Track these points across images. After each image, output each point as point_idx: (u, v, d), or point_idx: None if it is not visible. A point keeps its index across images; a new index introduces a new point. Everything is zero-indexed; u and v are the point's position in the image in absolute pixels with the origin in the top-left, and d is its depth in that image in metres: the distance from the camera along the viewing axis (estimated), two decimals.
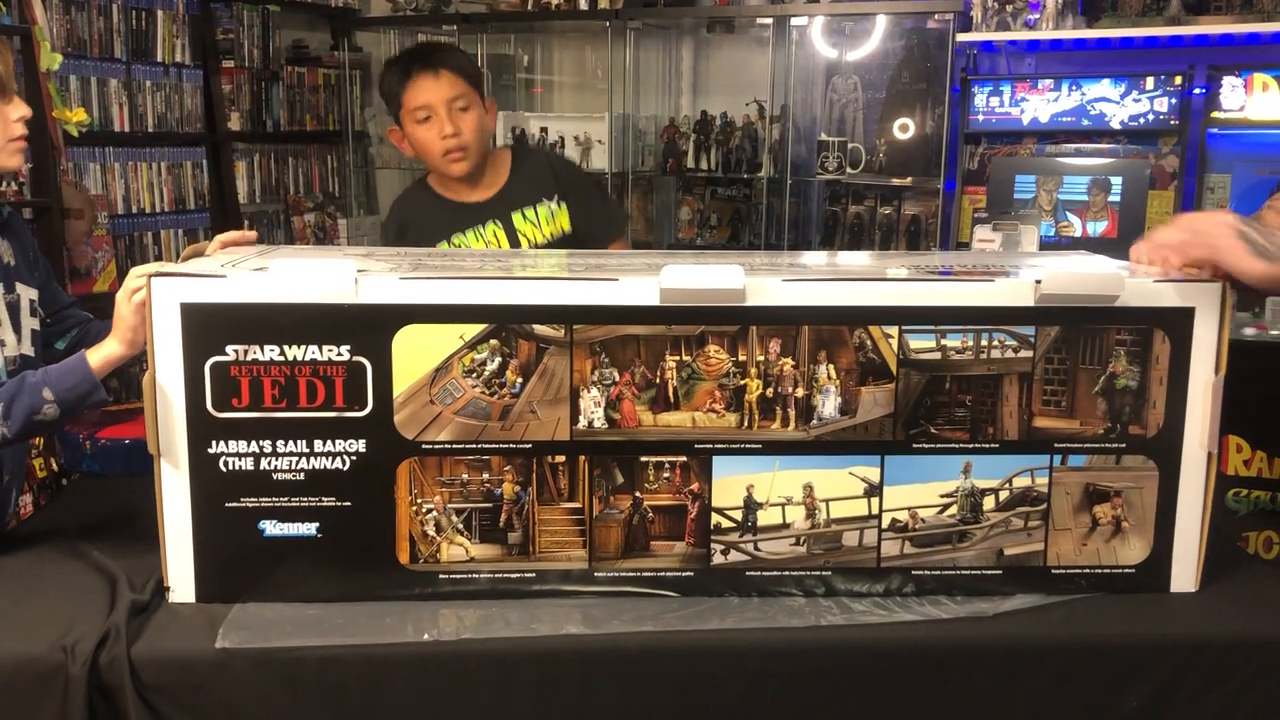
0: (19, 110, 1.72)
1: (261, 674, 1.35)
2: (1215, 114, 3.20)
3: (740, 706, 1.42)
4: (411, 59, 2.24)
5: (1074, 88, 3.35)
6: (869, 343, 1.46)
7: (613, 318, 1.43)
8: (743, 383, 1.46)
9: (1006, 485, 1.52)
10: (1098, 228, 3.39)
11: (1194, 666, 1.44)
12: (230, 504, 1.45)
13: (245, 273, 1.42)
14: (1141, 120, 3.31)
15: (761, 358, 1.45)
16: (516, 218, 2.18)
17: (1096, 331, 1.48)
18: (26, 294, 1.77)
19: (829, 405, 1.48)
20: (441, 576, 1.49)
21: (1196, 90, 3.24)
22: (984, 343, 1.47)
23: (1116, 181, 3.32)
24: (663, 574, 1.51)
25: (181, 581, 1.46)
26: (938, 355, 1.47)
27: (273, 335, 1.41)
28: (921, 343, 1.46)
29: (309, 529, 1.46)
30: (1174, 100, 3.25)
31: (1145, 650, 1.45)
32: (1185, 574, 1.54)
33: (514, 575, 1.49)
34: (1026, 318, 1.46)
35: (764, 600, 1.50)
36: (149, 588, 1.46)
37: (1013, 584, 1.53)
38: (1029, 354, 1.47)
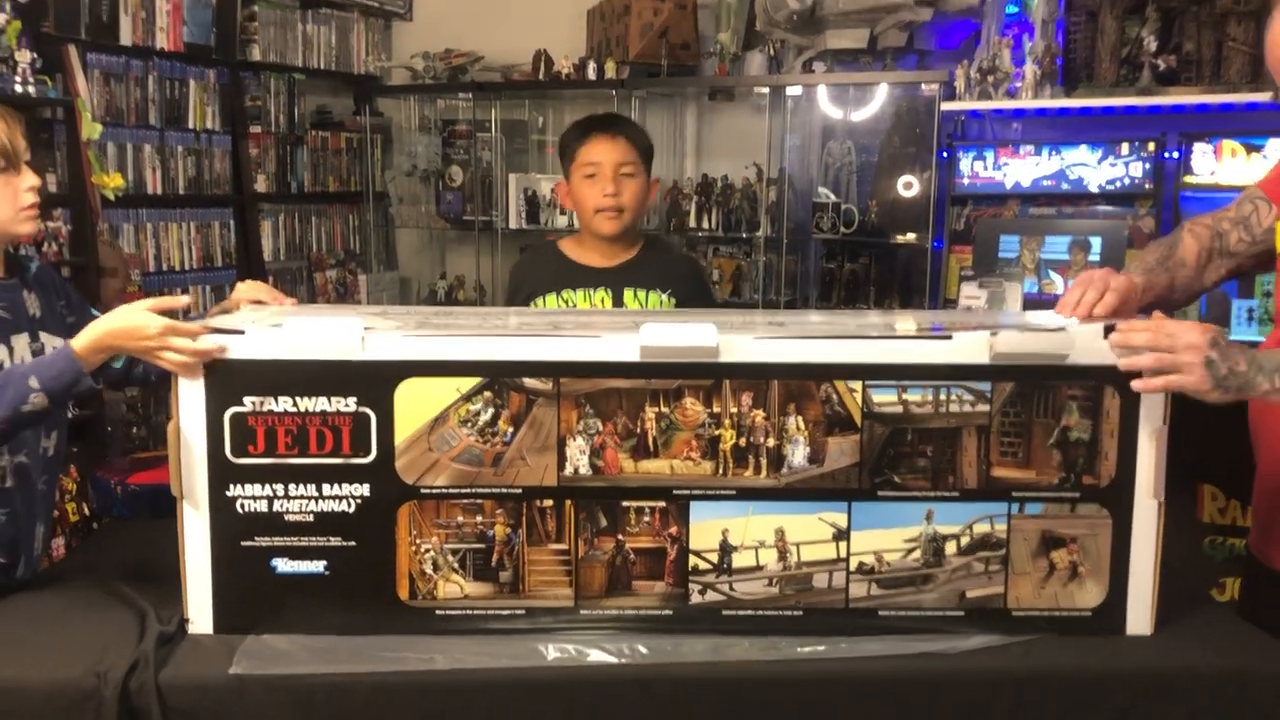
0: (29, 180, 1.77)
1: (274, 699, 1.43)
2: (1187, 178, 3.28)
3: None
4: (593, 121, 2.34)
5: (1054, 153, 3.46)
6: (835, 396, 1.54)
7: (597, 372, 1.52)
8: (717, 433, 1.54)
9: (967, 531, 1.58)
10: None
11: (1143, 701, 1.49)
12: (245, 543, 1.54)
13: (263, 330, 1.52)
14: (1118, 184, 3.39)
15: (735, 410, 1.54)
16: (627, 293, 2.26)
17: (1049, 387, 1.55)
18: (51, 343, 1.83)
19: (798, 454, 1.55)
20: (438, 613, 1.56)
21: (1171, 154, 3.34)
22: (943, 397, 1.55)
23: (1096, 241, 3.40)
24: (644, 612, 1.58)
25: (200, 614, 1.55)
26: (899, 408, 1.55)
27: (286, 388, 1.51)
28: (884, 396, 1.54)
29: (317, 566, 1.55)
30: (1148, 165, 3.33)
31: (1097, 684, 1.51)
32: (1140, 617, 1.60)
33: (505, 612, 1.57)
34: (982, 374, 1.54)
35: (739, 637, 1.56)
36: (174, 620, 1.54)
37: (974, 625, 1.59)
38: (986, 408, 1.55)
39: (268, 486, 1.53)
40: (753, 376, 1.53)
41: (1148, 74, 3.17)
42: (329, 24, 4.63)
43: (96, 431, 3.33)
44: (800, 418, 1.54)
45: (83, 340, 1.58)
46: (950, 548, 1.58)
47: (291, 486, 1.53)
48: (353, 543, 1.54)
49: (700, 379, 1.53)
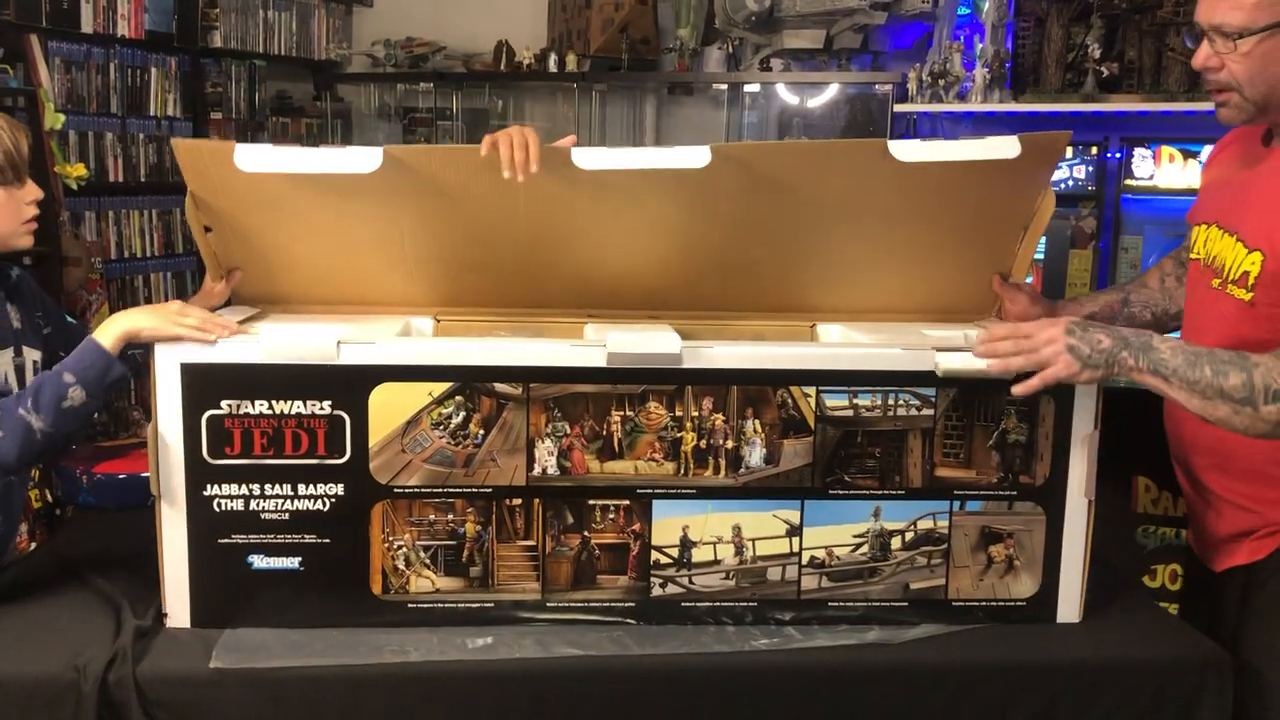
0: (32, 194, 1.76)
1: (251, 691, 1.48)
2: (1128, 181, 3.39)
3: None
4: None
5: None
6: (790, 401, 1.61)
7: (565, 377, 1.58)
8: (679, 435, 1.61)
9: (911, 527, 1.66)
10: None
11: (1072, 687, 1.59)
12: (222, 540, 1.58)
13: (239, 337, 1.56)
14: (1063, 185, 3.50)
15: (696, 413, 1.60)
16: None
17: (990, 393, 1.63)
18: (31, 356, 1.81)
19: (755, 456, 1.62)
20: (410, 606, 1.61)
21: (1114, 156, 3.44)
22: (891, 402, 1.63)
23: (1040, 241, 3.51)
24: (608, 604, 1.64)
25: (178, 608, 1.59)
26: (850, 412, 1.62)
27: (262, 391, 1.54)
28: (836, 401, 1.62)
29: (292, 563, 1.59)
30: (1091, 168, 3.44)
31: (1031, 673, 1.60)
32: (1070, 606, 1.70)
33: (474, 605, 1.62)
34: (928, 381, 1.62)
35: (698, 628, 1.64)
36: (150, 614, 1.58)
37: (918, 615, 1.68)
38: (930, 412, 1.63)
39: (244, 486, 1.56)
40: (713, 382, 1.60)
41: (1091, 80, 3.27)
42: (290, 10, 4.61)
43: None
44: (757, 421, 1.61)
45: (103, 331, 1.58)
46: (896, 543, 1.66)
47: (267, 486, 1.57)
48: (327, 540, 1.59)
49: (664, 384, 1.59)
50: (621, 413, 1.59)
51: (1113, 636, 1.67)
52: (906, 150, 1.64)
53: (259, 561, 1.59)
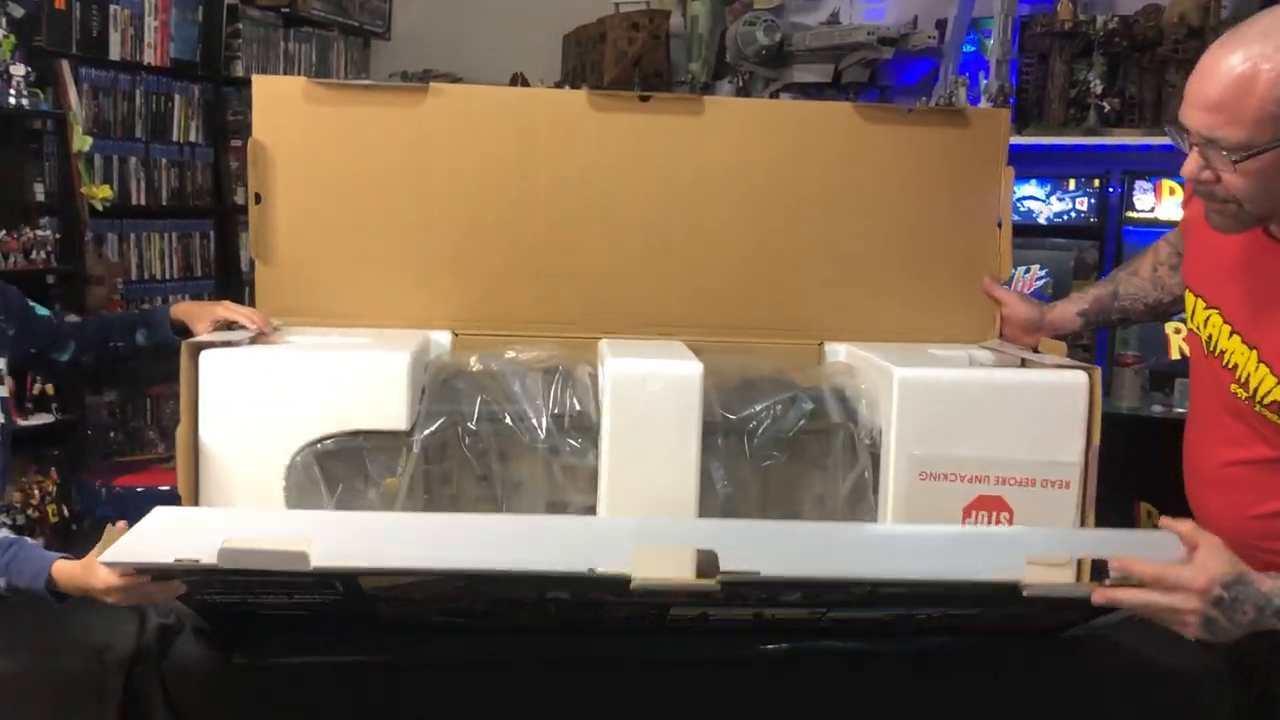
0: None
1: (275, 683, 1.50)
2: (1129, 213, 3.44)
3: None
4: None
5: None
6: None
7: (586, 608, 1.42)
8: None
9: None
10: None
11: (1077, 693, 1.62)
12: (228, 610, 1.48)
13: (199, 548, 1.30)
14: (1065, 217, 3.56)
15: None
16: None
17: None
18: None
19: None
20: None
21: (1115, 190, 3.49)
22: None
23: (1044, 271, 3.55)
24: (624, 625, 1.57)
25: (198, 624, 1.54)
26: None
27: (235, 590, 1.37)
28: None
29: (300, 612, 1.49)
30: (1093, 200, 3.50)
31: (1044, 677, 1.63)
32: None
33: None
34: (1006, 600, 1.43)
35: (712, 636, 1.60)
36: (173, 615, 1.54)
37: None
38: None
39: (240, 601, 1.44)
40: (751, 603, 1.45)
41: (1093, 115, 3.32)
42: (310, 42, 4.68)
43: (77, 435, 3.38)
44: None
45: (65, 579, 1.45)
46: (920, 616, 1.58)
47: (264, 597, 1.43)
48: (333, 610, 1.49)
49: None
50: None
51: (1113, 647, 1.67)
52: None
53: (269, 611, 1.49)
